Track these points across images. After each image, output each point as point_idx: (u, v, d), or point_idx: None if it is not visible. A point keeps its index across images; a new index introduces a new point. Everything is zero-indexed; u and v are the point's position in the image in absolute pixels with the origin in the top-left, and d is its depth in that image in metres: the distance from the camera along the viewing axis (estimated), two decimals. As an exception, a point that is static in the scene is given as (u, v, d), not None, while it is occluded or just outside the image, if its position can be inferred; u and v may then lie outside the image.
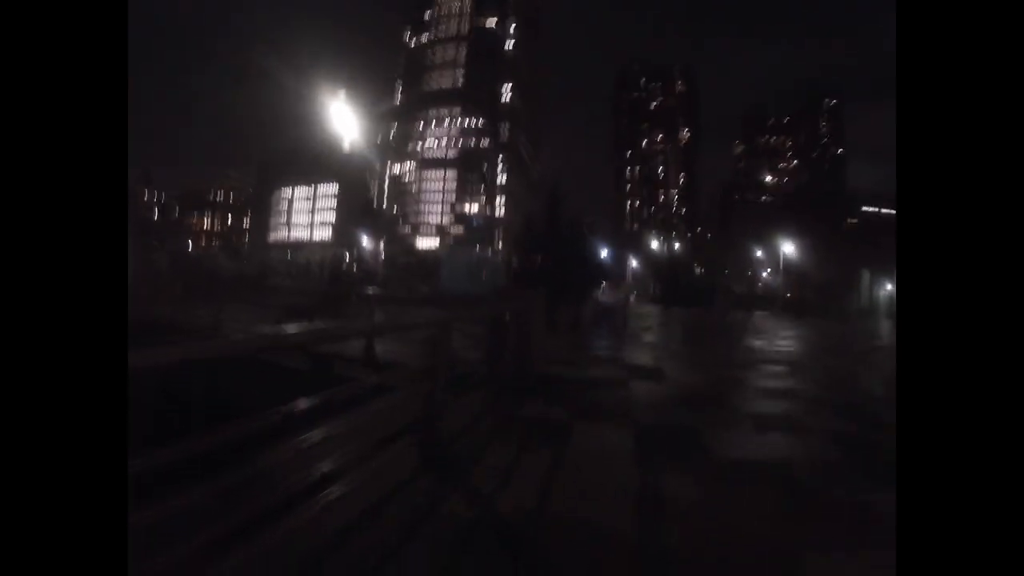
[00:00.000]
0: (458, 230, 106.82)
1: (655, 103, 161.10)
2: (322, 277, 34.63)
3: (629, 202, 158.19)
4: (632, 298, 38.89)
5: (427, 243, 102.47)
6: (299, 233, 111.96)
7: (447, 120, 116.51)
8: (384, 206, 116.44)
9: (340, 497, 2.54)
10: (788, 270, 57.40)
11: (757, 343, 14.59)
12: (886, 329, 26.28)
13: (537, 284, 14.04)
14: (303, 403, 2.53)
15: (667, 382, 7.35)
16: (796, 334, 19.09)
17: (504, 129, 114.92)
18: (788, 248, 54.46)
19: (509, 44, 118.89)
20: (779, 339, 16.41)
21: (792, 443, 4.70)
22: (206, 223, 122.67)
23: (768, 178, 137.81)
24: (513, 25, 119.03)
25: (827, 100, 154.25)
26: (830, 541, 2.88)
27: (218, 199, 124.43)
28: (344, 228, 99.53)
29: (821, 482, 3.79)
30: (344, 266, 52.29)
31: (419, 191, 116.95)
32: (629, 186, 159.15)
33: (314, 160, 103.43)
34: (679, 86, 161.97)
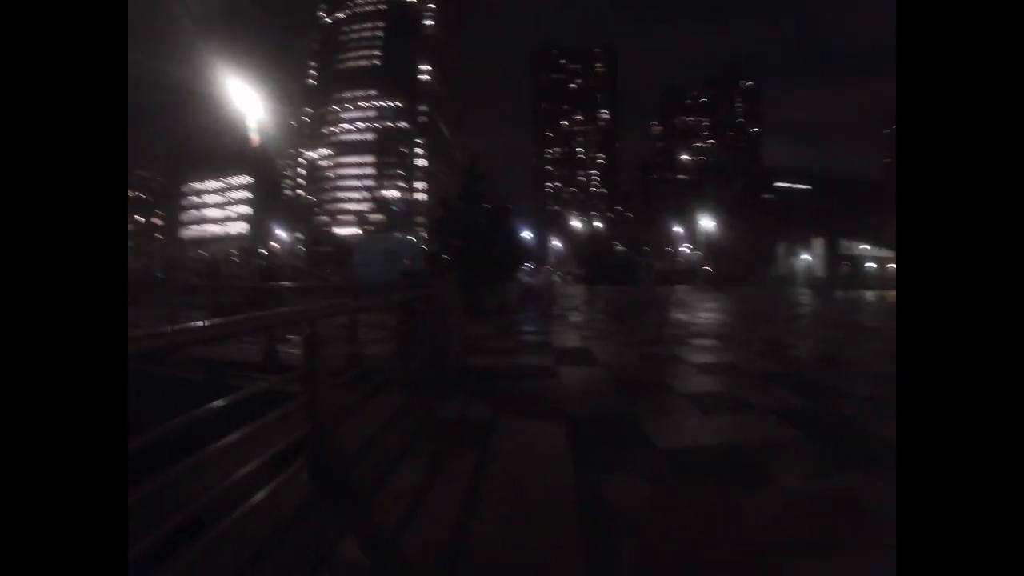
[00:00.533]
0: (379, 217, 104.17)
1: (574, 84, 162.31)
2: (242, 273, 32.66)
3: (551, 182, 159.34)
4: (557, 278, 38.91)
5: (347, 231, 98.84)
6: (213, 228, 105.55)
7: (363, 102, 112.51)
8: (300, 194, 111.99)
9: (203, 551, 1.84)
10: (707, 245, 59.29)
11: (683, 317, 14.53)
12: (804, 297, 27.30)
13: (455, 267, 13.38)
14: (175, 423, 1.83)
15: (599, 366, 6.81)
16: (719, 306, 19.29)
17: (423, 110, 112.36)
18: (706, 223, 56.17)
19: (428, 21, 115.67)
20: (703, 311, 16.48)
21: (740, 424, 4.25)
22: None
23: (685, 157, 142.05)
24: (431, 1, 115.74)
25: (743, 81, 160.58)
26: (810, 542, 2.42)
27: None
28: (259, 220, 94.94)
29: (782, 469, 3.34)
30: (262, 260, 49.70)
31: (336, 177, 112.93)
32: (550, 167, 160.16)
33: (224, 151, 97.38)
34: (599, 67, 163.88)
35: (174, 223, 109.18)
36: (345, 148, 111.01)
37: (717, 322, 13.59)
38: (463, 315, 7.17)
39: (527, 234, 29.90)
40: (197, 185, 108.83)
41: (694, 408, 4.74)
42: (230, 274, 30.82)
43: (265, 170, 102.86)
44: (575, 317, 14.40)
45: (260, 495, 2.25)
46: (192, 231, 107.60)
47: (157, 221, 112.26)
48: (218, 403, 2.11)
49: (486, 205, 18.31)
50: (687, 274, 51.34)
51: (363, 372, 4.58)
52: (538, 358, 7.32)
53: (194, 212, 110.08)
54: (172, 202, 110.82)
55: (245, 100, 17.91)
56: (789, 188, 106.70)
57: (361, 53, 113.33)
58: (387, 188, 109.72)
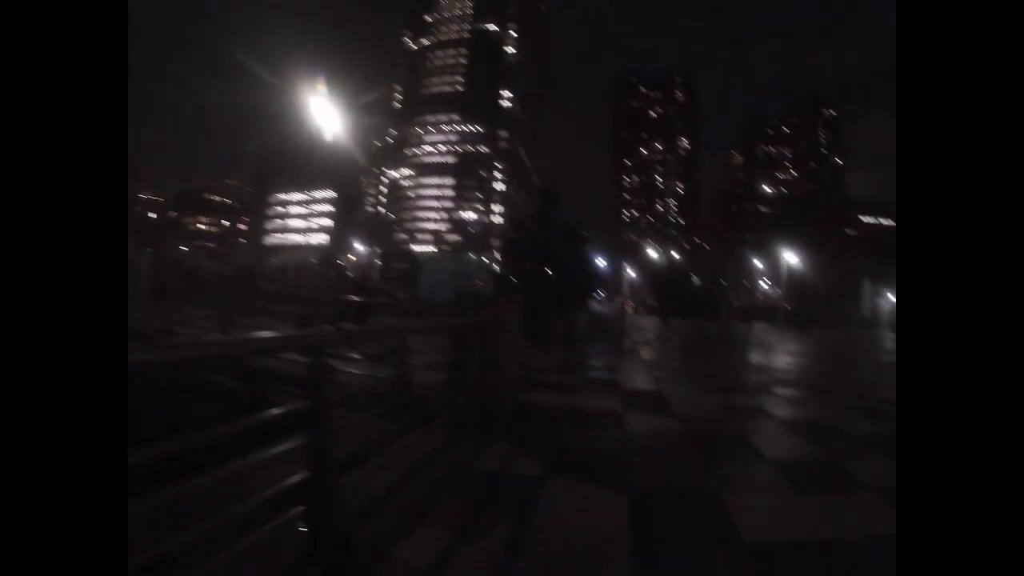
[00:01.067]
0: (455, 237, 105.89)
1: (654, 112, 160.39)
2: (336, 284, 33.72)
3: (627, 211, 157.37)
4: (629, 309, 37.60)
5: (423, 249, 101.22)
6: (295, 237, 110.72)
7: (445, 126, 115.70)
8: (380, 211, 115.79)
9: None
10: (788, 281, 56.34)
11: (766, 360, 13.30)
12: (893, 342, 24.97)
13: (523, 291, 12.74)
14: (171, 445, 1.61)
15: (673, 416, 5.96)
16: (804, 348, 17.86)
17: (503, 136, 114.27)
18: (789, 258, 53.39)
19: (510, 49, 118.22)
20: (788, 354, 15.20)
21: (842, 509, 3.39)
22: (203, 225, 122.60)
23: (767, 188, 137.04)
24: (514, 29, 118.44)
25: (826, 110, 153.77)
26: None
27: (214, 201, 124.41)
28: (339, 233, 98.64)
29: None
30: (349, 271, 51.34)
31: (416, 197, 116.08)
32: (628, 195, 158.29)
33: (310, 165, 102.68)
34: (678, 95, 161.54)
35: (258, 229, 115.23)
36: (426, 169, 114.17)
37: (804, 368, 12.36)
38: (522, 344, 6.58)
39: (601, 262, 28.76)
40: (283, 196, 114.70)
41: (787, 482, 3.91)
42: (303, 283, 31.90)
43: (348, 186, 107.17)
44: (647, 353, 13.36)
45: (246, 541, 1.88)
46: (275, 239, 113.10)
47: (242, 227, 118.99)
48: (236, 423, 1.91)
49: (559, 230, 17.49)
50: (767, 311, 48.60)
51: (407, 402, 4.09)
52: (603, 400, 6.56)
53: (278, 221, 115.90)
54: (258, 210, 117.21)
55: (333, 119, 18.20)
56: (875, 223, 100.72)
57: (444, 79, 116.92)
58: (465, 210, 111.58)
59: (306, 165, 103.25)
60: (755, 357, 14.00)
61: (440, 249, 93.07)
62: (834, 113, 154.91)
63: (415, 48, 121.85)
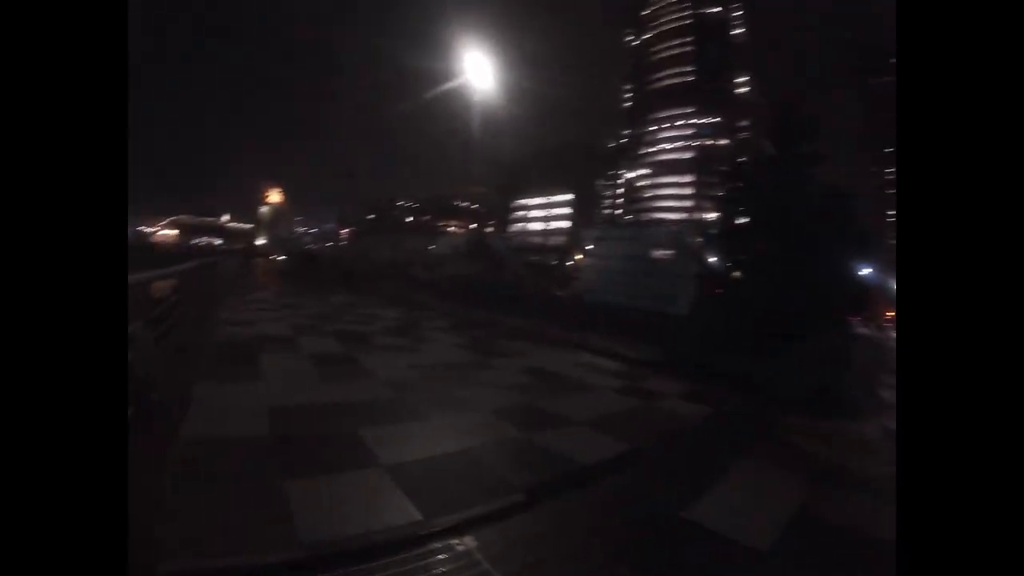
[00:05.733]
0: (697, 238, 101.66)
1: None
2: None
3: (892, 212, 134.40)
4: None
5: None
6: (535, 240, 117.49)
7: (680, 120, 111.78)
8: (617, 213, 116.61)
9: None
10: None
11: None
12: None
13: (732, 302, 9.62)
14: None
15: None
16: None
17: (743, 125, 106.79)
18: None
19: (738, 30, 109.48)
20: None
21: None
22: (452, 227, 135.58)
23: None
24: (738, 9, 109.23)
25: None
26: None
27: (462, 206, 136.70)
28: (575, 233, 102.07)
29: None
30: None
31: (653, 197, 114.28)
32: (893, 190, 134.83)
33: (549, 170, 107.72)
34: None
35: (503, 232, 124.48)
36: (663, 168, 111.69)
37: None
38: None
39: (866, 270, 15.88)
40: (524, 201, 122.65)
41: None
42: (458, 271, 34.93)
43: (585, 189, 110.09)
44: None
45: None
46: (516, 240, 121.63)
47: (489, 230, 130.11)
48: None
49: (811, 184, 10.13)
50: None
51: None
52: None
53: (520, 225, 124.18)
54: (502, 214, 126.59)
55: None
56: None
57: (673, 71, 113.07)
58: (704, 208, 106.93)
59: (548, 171, 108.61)
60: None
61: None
62: None
63: (638, 43, 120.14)
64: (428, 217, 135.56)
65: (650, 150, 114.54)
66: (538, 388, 7.66)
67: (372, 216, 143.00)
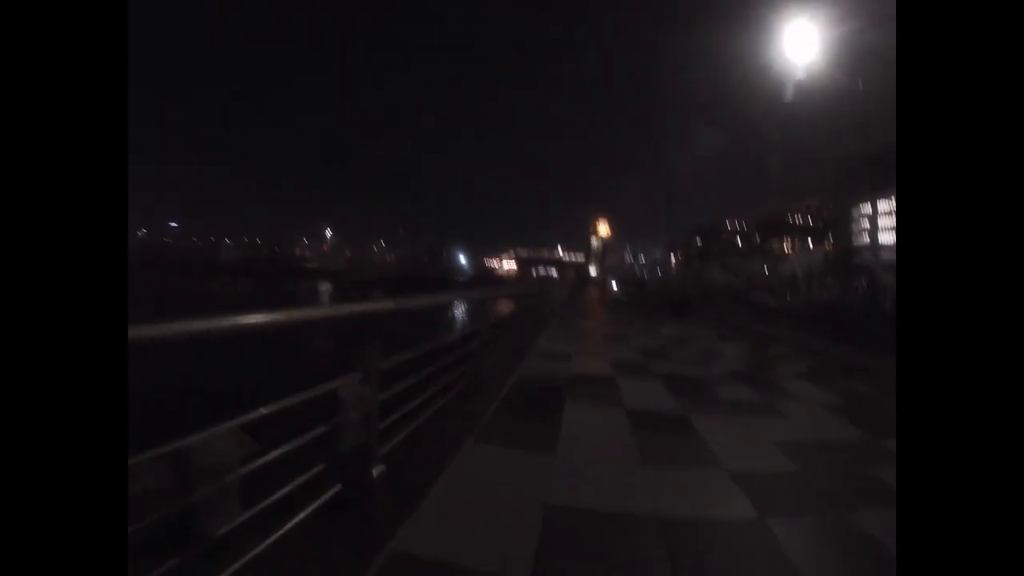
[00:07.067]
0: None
1: None
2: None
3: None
4: None
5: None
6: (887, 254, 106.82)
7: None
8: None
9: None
10: None
11: None
12: None
13: None
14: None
15: None
16: None
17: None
18: None
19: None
20: None
21: None
22: (783, 247, 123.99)
23: None
24: None
25: None
26: None
27: (792, 223, 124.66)
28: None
29: None
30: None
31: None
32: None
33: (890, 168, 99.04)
34: None
35: (845, 245, 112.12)
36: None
37: None
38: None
39: None
40: (866, 207, 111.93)
41: None
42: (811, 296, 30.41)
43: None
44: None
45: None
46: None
47: (827, 246, 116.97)
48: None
49: None
50: None
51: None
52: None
53: (866, 236, 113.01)
54: (842, 227, 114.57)
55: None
56: None
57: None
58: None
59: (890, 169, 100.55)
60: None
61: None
62: None
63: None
64: (758, 237, 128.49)
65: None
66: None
67: (699, 241, 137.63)
